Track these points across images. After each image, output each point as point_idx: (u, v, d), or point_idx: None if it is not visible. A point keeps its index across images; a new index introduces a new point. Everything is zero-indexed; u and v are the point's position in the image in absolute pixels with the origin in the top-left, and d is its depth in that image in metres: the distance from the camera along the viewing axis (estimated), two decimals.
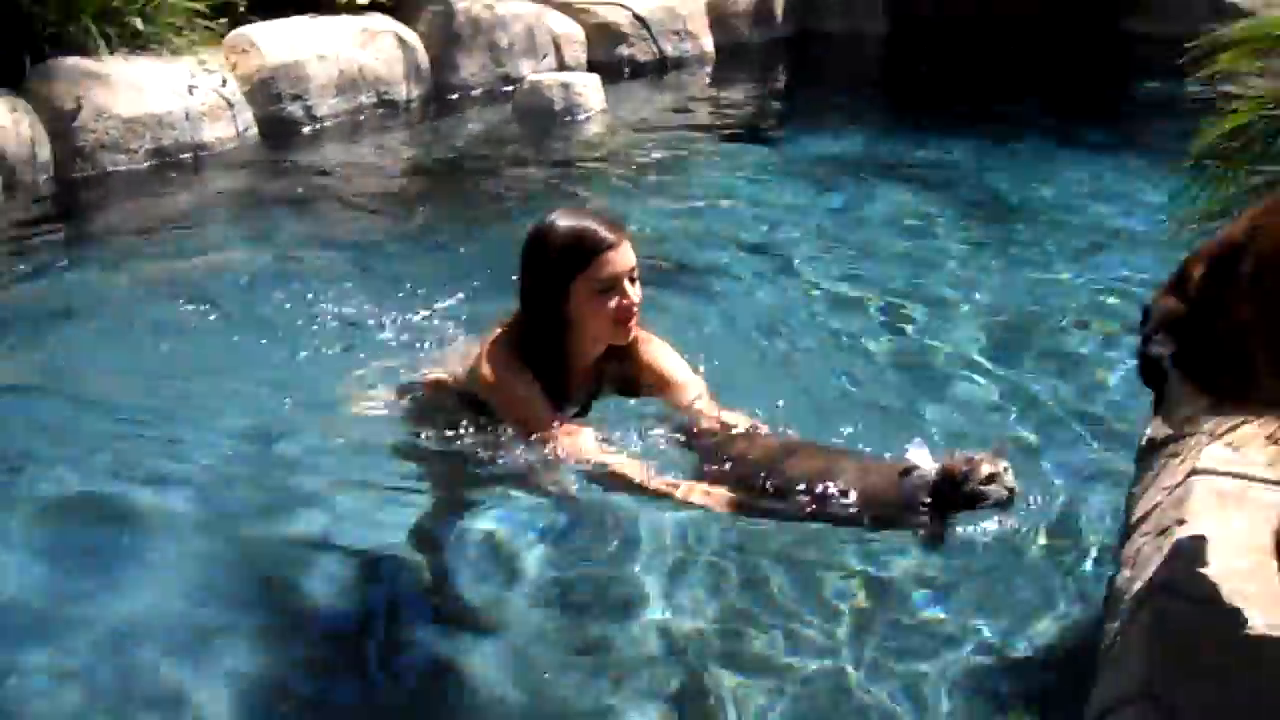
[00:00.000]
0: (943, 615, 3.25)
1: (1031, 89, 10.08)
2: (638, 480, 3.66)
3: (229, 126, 7.91)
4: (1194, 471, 2.71)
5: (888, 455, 3.66)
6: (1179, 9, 9.68)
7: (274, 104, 8.27)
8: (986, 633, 3.15)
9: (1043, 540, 3.48)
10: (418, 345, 4.67)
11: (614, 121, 9.02)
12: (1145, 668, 2.14)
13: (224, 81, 7.97)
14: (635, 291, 3.74)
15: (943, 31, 11.61)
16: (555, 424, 3.77)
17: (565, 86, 8.90)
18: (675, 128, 9.37)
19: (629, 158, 8.25)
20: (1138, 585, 2.47)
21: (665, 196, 7.36)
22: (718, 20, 10.97)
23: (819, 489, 3.46)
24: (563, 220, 3.77)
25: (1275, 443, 2.77)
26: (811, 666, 3.06)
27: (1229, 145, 3.94)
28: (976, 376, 4.76)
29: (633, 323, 3.79)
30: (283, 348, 4.83)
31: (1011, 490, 3.30)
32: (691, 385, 3.96)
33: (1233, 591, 2.26)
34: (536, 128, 8.75)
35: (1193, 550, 2.42)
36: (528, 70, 9.47)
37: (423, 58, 9.11)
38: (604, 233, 3.70)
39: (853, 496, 3.44)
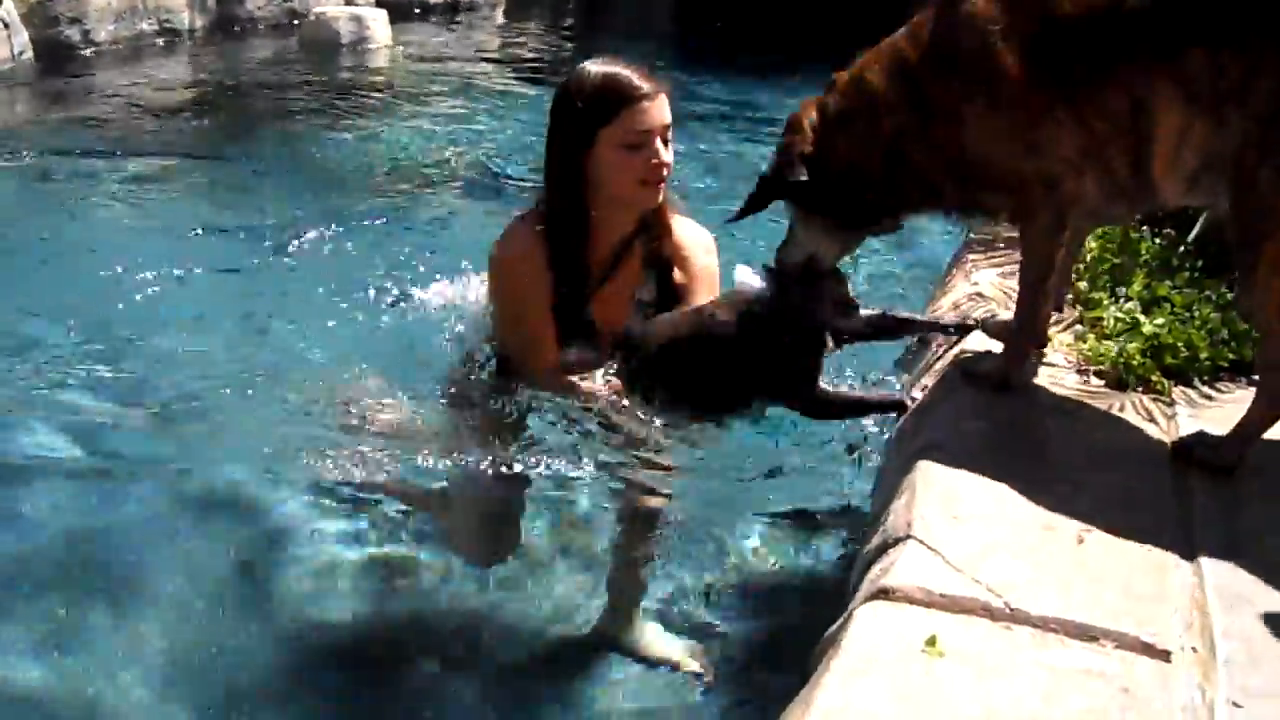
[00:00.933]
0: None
1: (815, 40, 10.46)
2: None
3: (3, 47, 7.88)
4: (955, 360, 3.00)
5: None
6: None
7: (51, 27, 8.25)
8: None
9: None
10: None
11: (400, 55, 9.19)
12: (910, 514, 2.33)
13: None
14: (668, 153, 3.32)
15: None
16: (547, 353, 3.37)
17: (351, 19, 9.05)
18: (461, 63, 9.57)
19: (411, 88, 8.48)
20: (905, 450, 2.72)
21: (441, 122, 7.58)
22: None
23: None
24: (596, 67, 3.34)
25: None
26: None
27: None
28: None
29: (662, 185, 3.35)
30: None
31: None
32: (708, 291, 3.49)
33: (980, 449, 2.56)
34: (322, 58, 8.89)
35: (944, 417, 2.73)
36: (314, 4, 9.56)
37: None
38: (638, 81, 3.28)
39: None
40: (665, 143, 3.30)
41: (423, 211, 5.58)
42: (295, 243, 5.10)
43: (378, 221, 5.47)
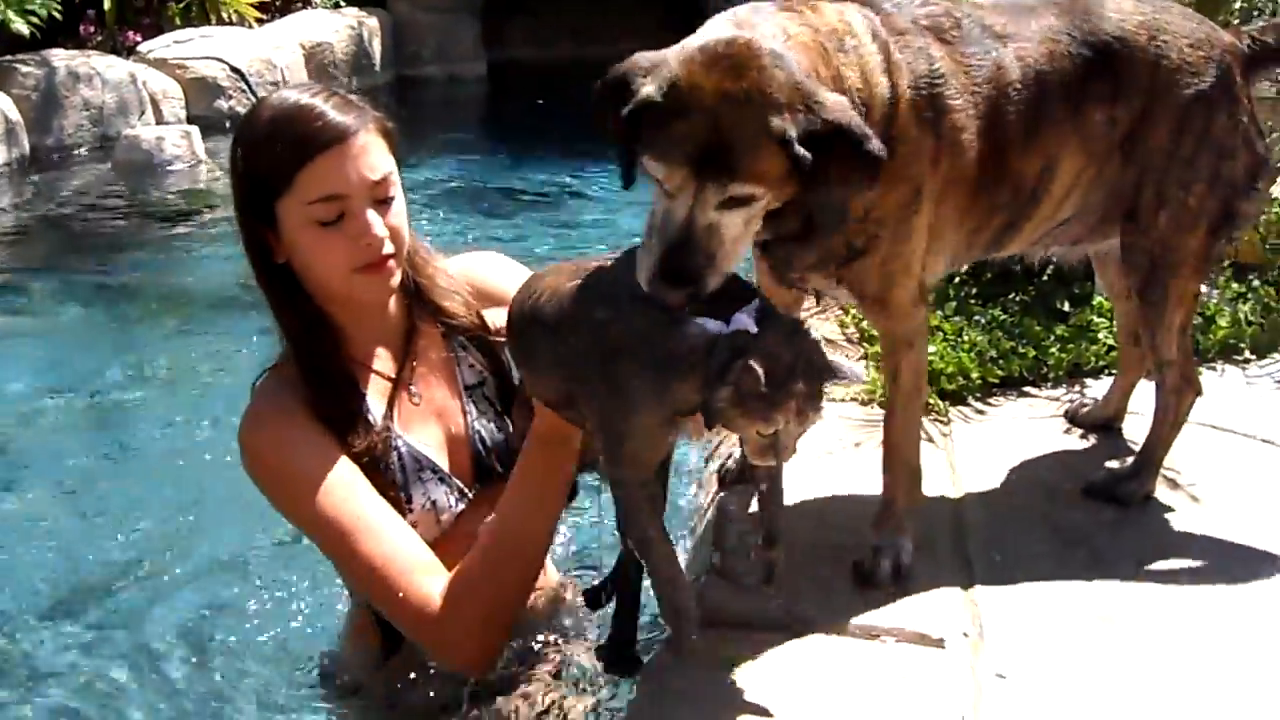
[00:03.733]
0: None
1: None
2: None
3: None
4: None
5: None
6: None
7: None
8: None
9: None
10: None
11: (215, 170, 9.28)
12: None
13: None
14: (386, 217, 2.29)
15: (539, 72, 12.35)
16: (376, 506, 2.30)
17: (161, 139, 9.12)
18: None
19: (227, 202, 8.50)
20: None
21: None
22: (316, 69, 11.30)
23: None
24: (266, 107, 2.34)
25: None
26: None
27: None
28: None
29: (389, 265, 2.31)
30: None
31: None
32: None
33: None
34: (136, 180, 8.92)
35: None
36: (125, 127, 9.61)
37: (16, 119, 9.14)
38: (319, 120, 2.24)
39: None
40: (382, 203, 2.29)
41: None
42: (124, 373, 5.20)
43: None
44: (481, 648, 2.30)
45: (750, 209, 1.95)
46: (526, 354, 2.28)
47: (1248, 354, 3.58)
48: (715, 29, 2.03)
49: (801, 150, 1.88)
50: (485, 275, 2.65)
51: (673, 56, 1.98)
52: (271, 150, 2.26)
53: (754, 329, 1.83)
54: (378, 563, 2.25)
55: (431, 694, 2.43)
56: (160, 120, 10.00)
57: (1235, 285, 3.84)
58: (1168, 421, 2.69)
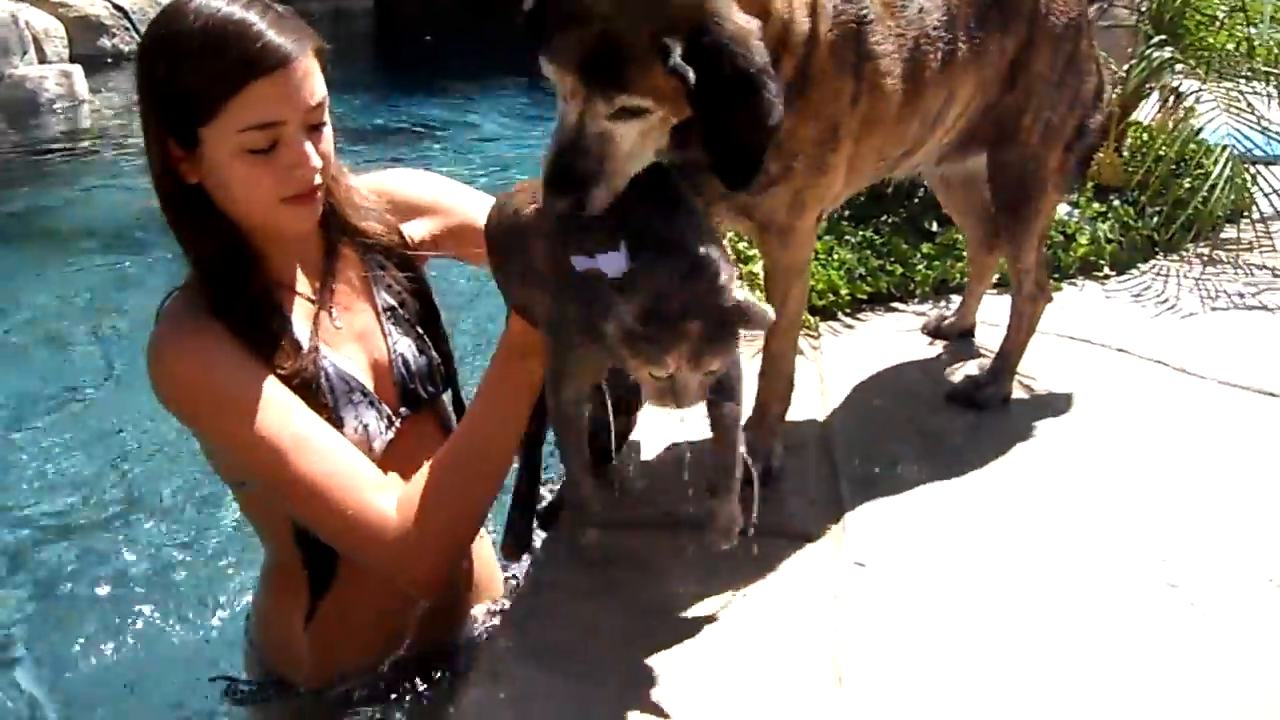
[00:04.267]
0: None
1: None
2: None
3: None
4: None
5: None
6: None
7: None
8: None
9: None
10: None
11: (99, 108, 9.18)
12: None
13: None
14: (319, 144, 2.11)
15: (428, 6, 12.28)
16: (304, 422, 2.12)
17: (43, 79, 9.00)
18: None
19: (112, 140, 8.48)
20: None
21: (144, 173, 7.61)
22: None
23: None
24: (201, 11, 2.01)
25: None
26: None
27: None
28: None
29: (318, 195, 2.15)
30: None
31: None
32: (472, 200, 2.53)
33: None
34: (18, 120, 8.80)
35: None
36: (8, 68, 9.45)
37: None
38: (258, 40, 1.99)
39: None
40: (314, 129, 2.10)
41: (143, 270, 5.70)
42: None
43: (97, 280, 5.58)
44: (438, 564, 2.17)
45: (645, 121, 1.85)
46: (504, 258, 2.19)
47: (1106, 270, 3.78)
48: None
49: (680, 65, 1.76)
50: (400, 187, 2.49)
51: None
52: (201, 70, 1.99)
53: (624, 264, 1.72)
54: (323, 481, 2.08)
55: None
56: (43, 60, 9.84)
57: (1096, 205, 4.02)
58: (1023, 328, 2.86)
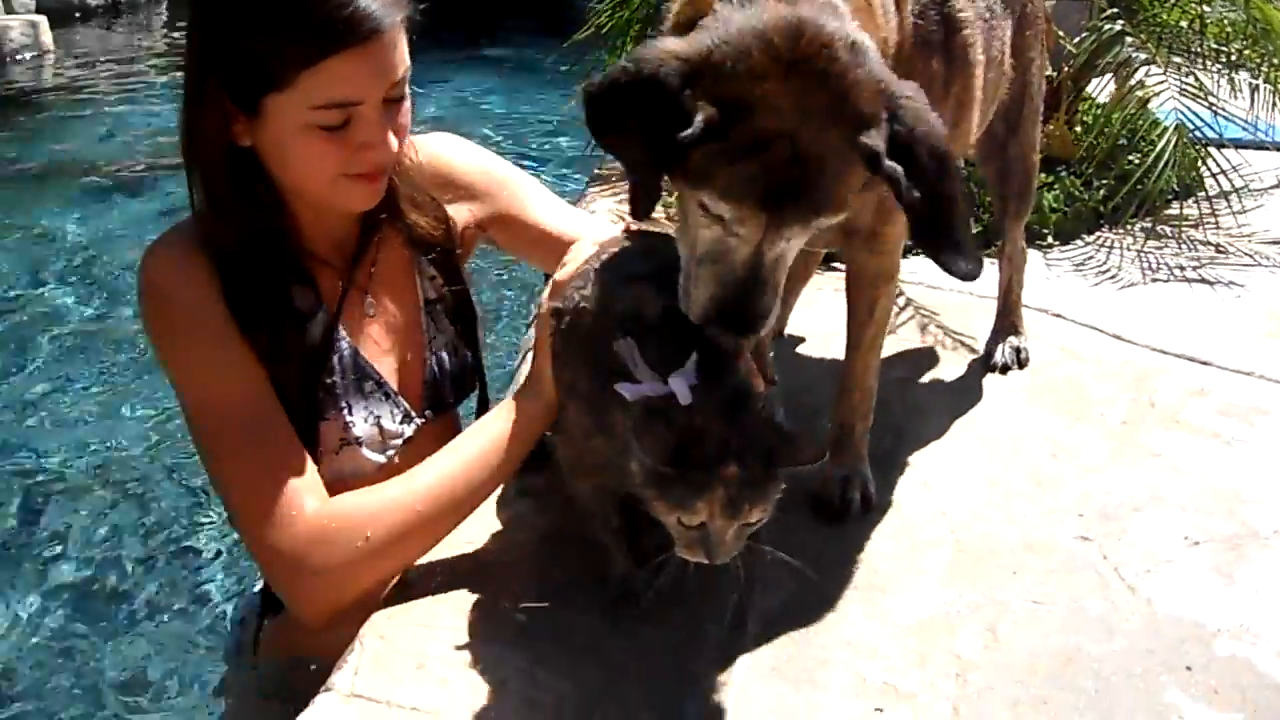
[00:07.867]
0: None
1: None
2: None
3: None
4: None
5: None
6: None
7: None
8: None
9: None
10: None
11: (63, 60, 9.13)
12: None
13: None
14: (388, 128, 1.87)
15: None
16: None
17: (8, 28, 8.94)
18: (122, 64, 9.57)
19: (76, 91, 8.44)
20: None
21: (107, 124, 7.63)
22: None
23: None
24: None
25: None
26: None
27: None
28: None
29: (381, 181, 1.94)
30: None
31: None
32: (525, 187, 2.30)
33: None
34: None
35: None
36: None
37: None
38: (351, 10, 1.73)
39: None
40: (392, 105, 1.86)
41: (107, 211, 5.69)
42: None
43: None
44: (335, 599, 1.84)
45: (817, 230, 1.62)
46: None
47: (1050, 239, 3.81)
48: (757, 8, 1.55)
49: (892, 168, 1.52)
50: (455, 159, 2.24)
51: (723, 53, 1.51)
52: (278, 33, 1.73)
53: (685, 393, 1.47)
54: (253, 468, 1.85)
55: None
56: (9, 10, 9.77)
57: (1043, 175, 4.04)
58: (1015, 291, 2.97)
